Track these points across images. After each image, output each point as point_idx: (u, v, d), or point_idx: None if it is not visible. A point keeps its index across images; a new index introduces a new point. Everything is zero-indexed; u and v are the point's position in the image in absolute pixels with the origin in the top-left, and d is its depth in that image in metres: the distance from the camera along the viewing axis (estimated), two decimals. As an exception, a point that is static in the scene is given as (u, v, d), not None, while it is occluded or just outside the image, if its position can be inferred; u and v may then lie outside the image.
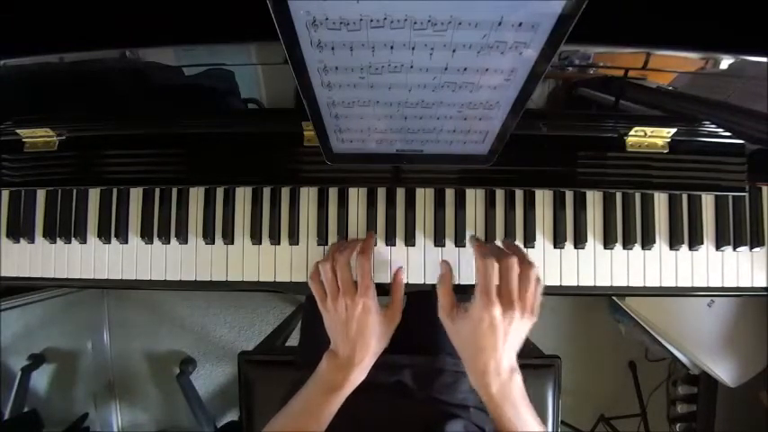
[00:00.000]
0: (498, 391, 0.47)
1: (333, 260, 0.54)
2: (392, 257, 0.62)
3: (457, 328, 0.51)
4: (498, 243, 0.62)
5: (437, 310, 0.55)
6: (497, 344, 0.47)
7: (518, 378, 0.49)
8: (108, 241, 0.64)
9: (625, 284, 0.62)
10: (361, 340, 0.52)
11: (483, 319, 0.47)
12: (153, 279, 0.64)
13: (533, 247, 0.62)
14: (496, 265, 0.47)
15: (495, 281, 0.47)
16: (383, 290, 0.60)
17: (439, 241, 0.62)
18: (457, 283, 0.61)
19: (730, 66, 0.48)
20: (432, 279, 0.62)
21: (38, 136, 0.64)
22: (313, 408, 0.52)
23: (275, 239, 0.63)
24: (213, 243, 0.64)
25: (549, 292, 0.62)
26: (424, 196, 0.63)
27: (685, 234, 0.62)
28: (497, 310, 0.46)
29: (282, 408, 0.55)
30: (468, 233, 0.62)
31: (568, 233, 0.62)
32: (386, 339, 0.56)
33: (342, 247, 0.57)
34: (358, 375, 0.53)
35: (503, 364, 0.47)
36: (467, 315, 0.49)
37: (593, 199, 0.63)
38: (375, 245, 0.62)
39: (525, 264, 0.49)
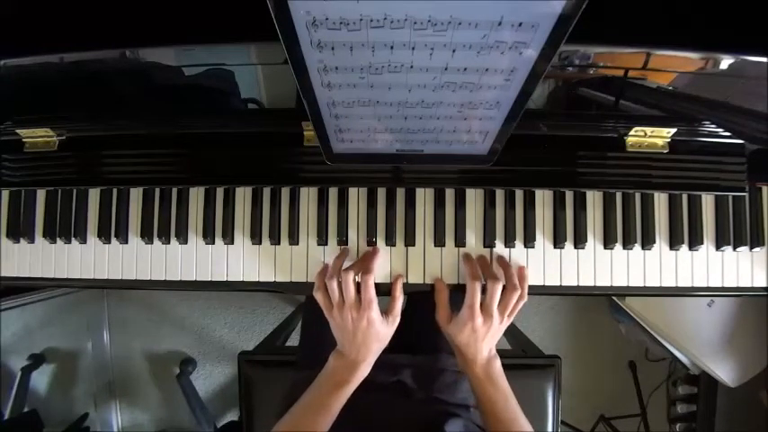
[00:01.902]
0: (480, 372, 0.58)
1: (338, 277, 0.56)
2: (392, 257, 0.62)
3: (450, 331, 0.59)
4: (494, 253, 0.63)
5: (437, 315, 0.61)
6: (477, 342, 0.57)
7: (498, 362, 0.59)
8: (108, 241, 0.64)
9: (625, 284, 0.62)
10: (365, 345, 0.57)
11: (467, 325, 0.56)
12: (153, 279, 0.64)
13: (533, 247, 0.62)
14: (479, 286, 0.57)
15: (479, 298, 0.56)
16: (382, 291, 0.60)
17: (439, 241, 0.62)
18: (457, 282, 0.62)
19: (730, 66, 0.48)
20: (431, 279, 0.62)
21: (38, 136, 0.64)
22: (323, 401, 0.56)
23: (275, 239, 0.63)
24: (213, 243, 0.64)
25: (549, 292, 0.62)
26: (424, 196, 0.63)
27: (685, 234, 0.62)
28: (479, 320, 0.56)
29: (293, 405, 0.58)
30: (462, 252, 0.62)
31: (568, 233, 0.62)
32: (386, 341, 0.59)
33: (345, 261, 0.60)
34: (363, 370, 0.58)
35: (483, 352, 0.58)
36: (457, 320, 0.58)
37: (593, 199, 0.63)
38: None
39: (510, 285, 0.57)
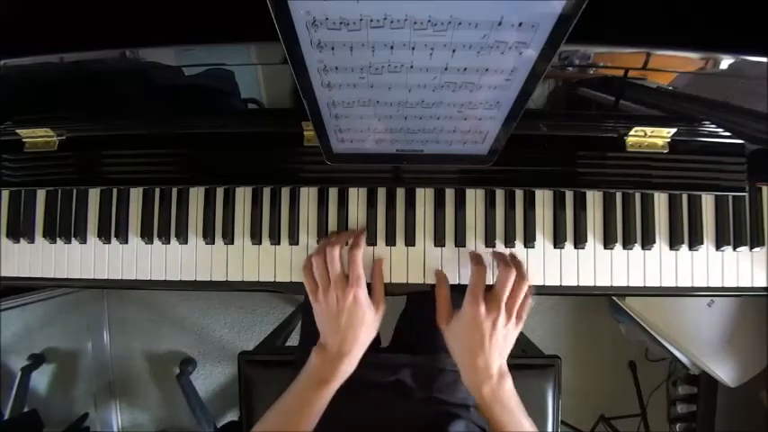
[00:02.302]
0: (489, 394, 0.51)
1: (324, 253, 0.54)
2: (392, 257, 0.62)
3: (451, 330, 0.55)
4: (505, 251, 0.62)
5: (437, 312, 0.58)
6: (483, 341, 0.50)
7: (508, 382, 0.52)
8: (108, 241, 0.64)
9: (625, 284, 0.62)
10: (351, 331, 0.53)
11: (469, 315, 0.51)
12: (153, 279, 0.64)
13: (533, 247, 0.62)
14: (484, 272, 0.53)
15: (483, 284, 0.51)
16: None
17: (439, 241, 0.62)
18: (458, 282, 0.62)
19: (730, 66, 0.48)
20: (431, 279, 0.62)
21: (38, 136, 0.64)
22: (303, 402, 0.52)
23: (275, 239, 0.63)
24: (213, 243, 0.64)
25: (549, 292, 0.62)
26: (424, 196, 0.63)
27: (685, 234, 0.62)
28: (482, 308, 0.50)
29: (273, 404, 0.54)
30: (469, 249, 0.62)
31: (568, 233, 0.62)
32: (373, 330, 0.56)
33: (333, 240, 0.58)
34: (346, 366, 0.53)
35: (492, 366, 0.51)
36: (458, 315, 0.54)
37: (593, 199, 0.63)
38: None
39: (520, 277, 0.53)
